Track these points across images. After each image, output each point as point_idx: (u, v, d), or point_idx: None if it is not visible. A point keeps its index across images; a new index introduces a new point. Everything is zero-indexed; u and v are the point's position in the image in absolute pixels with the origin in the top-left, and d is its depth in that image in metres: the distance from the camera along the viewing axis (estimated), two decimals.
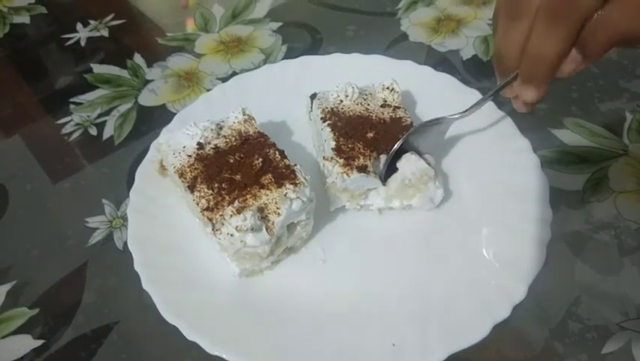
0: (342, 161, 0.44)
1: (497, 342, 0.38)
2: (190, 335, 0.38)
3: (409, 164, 0.44)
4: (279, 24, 0.69)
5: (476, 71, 0.60)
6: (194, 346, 0.38)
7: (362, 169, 0.43)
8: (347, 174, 0.43)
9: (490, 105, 0.51)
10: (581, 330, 0.40)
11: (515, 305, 0.38)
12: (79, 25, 0.71)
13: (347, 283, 0.42)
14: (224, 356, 0.37)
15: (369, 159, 0.44)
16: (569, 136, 0.53)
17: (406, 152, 0.44)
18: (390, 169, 0.44)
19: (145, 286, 0.40)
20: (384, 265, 0.43)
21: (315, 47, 0.65)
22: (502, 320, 0.38)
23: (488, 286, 0.40)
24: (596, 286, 0.42)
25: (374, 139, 0.45)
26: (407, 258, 0.43)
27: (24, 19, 0.73)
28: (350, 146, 0.45)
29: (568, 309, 0.41)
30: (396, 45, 0.65)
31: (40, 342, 0.42)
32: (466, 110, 0.45)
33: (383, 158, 0.45)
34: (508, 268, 0.40)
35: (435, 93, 0.53)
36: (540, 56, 0.34)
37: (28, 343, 0.42)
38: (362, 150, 0.44)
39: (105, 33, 0.70)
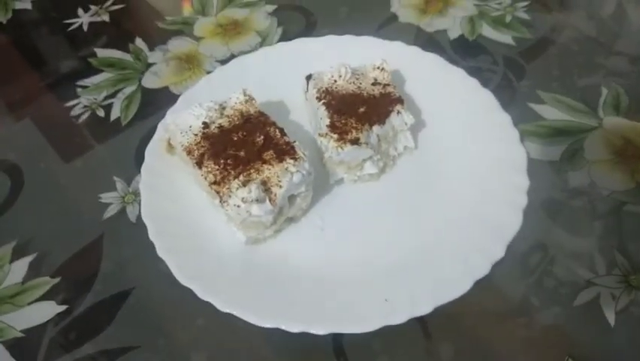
0: (336, 136, 0.47)
1: (479, 296, 0.42)
2: (203, 296, 0.41)
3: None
4: (274, 7, 0.71)
5: (462, 51, 0.63)
6: (207, 306, 0.41)
7: (354, 142, 0.47)
8: (341, 148, 0.47)
9: (473, 82, 0.55)
10: (555, 286, 0.45)
11: (494, 263, 0.43)
12: (80, 11, 0.73)
13: (343, 248, 0.46)
14: (234, 313, 0.41)
15: (362, 132, 0.48)
16: (548, 111, 0.57)
17: None
18: None
19: (159, 253, 0.44)
20: (376, 231, 0.47)
21: (309, 29, 0.68)
22: (482, 276, 0.42)
23: (470, 246, 0.44)
24: (569, 247, 0.47)
25: (365, 113, 0.49)
26: (396, 223, 0.47)
27: (25, 4, 0.75)
28: (343, 122, 0.48)
29: (543, 267, 0.46)
30: (387, 26, 0.67)
31: (63, 307, 0.46)
32: None
33: (375, 128, 0.48)
34: (487, 230, 0.44)
35: (423, 72, 0.57)
36: None
37: (52, 308, 0.46)
38: (354, 125, 0.48)
39: (106, 18, 0.72)
